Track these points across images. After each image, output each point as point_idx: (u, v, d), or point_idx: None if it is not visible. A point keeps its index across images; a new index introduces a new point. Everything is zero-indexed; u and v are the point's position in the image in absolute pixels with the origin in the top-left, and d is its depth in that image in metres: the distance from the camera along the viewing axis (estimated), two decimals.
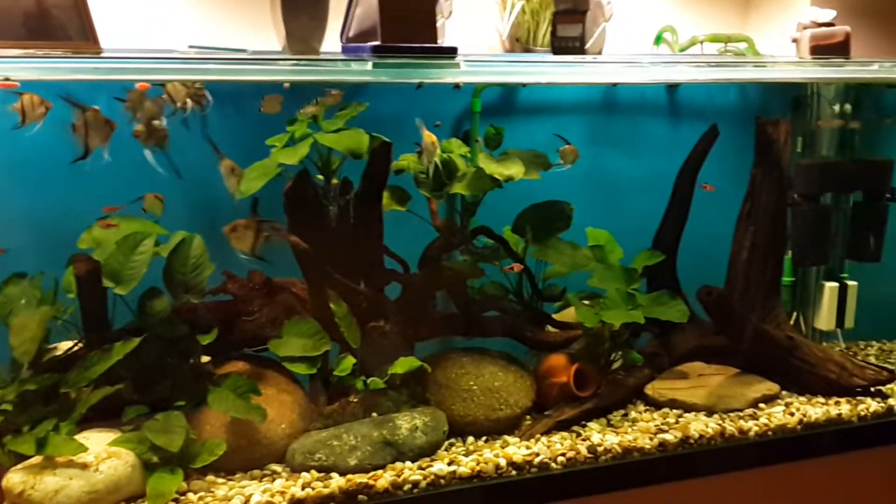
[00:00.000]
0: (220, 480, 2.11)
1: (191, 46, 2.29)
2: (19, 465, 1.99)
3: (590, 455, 2.30)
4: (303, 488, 2.07)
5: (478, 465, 2.20)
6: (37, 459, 1.98)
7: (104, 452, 2.00)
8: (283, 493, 2.05)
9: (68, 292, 2.19)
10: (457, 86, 2.51)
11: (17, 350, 2.05)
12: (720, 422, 2.47)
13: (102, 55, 1.88)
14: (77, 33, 1.86)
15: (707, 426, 2.44)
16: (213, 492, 2.05)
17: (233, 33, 2.48)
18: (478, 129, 2.61)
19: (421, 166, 2.30)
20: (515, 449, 2.28)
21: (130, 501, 2.00)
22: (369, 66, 1.98)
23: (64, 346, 2.22)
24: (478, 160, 2.33)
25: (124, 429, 2.11)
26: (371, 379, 2.27)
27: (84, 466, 1.96)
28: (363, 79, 2.07)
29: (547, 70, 2.27)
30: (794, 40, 2.71)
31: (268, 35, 2.20)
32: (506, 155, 2.41)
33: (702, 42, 2.89)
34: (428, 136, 2.19)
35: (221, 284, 2.30)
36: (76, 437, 2.01)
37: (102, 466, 1.97)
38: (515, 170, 2.35)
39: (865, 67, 2.53)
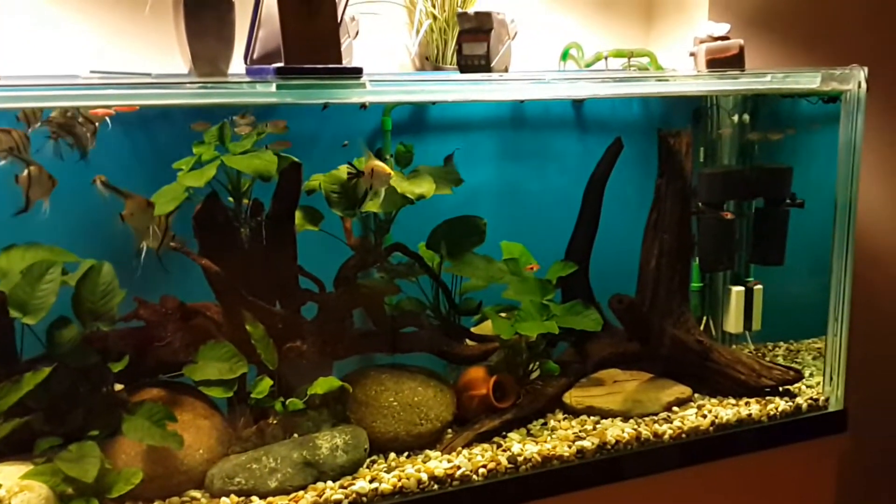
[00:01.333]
0: None
1: (92, 72, 2.27)
2: None
3: (510, 465, 2.33)
4: None
5: (399, 480, 2.21)
6: None
7: (16, 486, 1.95)
8: None
9: None
10: (363, 105, 2.54)
11: None
12: (636, 426, 2.53)
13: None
14: None
15: (623, 431, 2.50)
16: None
17: (137, 58, 2.46)
18: (389, 147, 2.64)
19: (352, 189, 2.32)
20: (437, 463, 2.30)
21: None
22: (273, 87, 1.99)
23: None
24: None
25: (36, 461, 2.06)
26: (290, 400, 2.26)
27: None
28: (269, 101, 2.07)
29: (453, 88, 2.30)
30: (692, 54, 2.81)
31: (173, 59, 2.20)
32: (416, 172, 2.44)
33: (606, 57, 2.98)
34: (380, 166, 2.22)
35: (133, 311, 2.27)
36: None
37: (14, 501, 1.92)
38: (426, 187, 2.38)
39: (759, 79, 2.64)
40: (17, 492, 1.94)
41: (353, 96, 2.10)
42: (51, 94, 1.85)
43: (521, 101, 2.85)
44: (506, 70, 2.50)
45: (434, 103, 2.71)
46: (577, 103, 2.96)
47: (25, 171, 2.07)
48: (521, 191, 2.90)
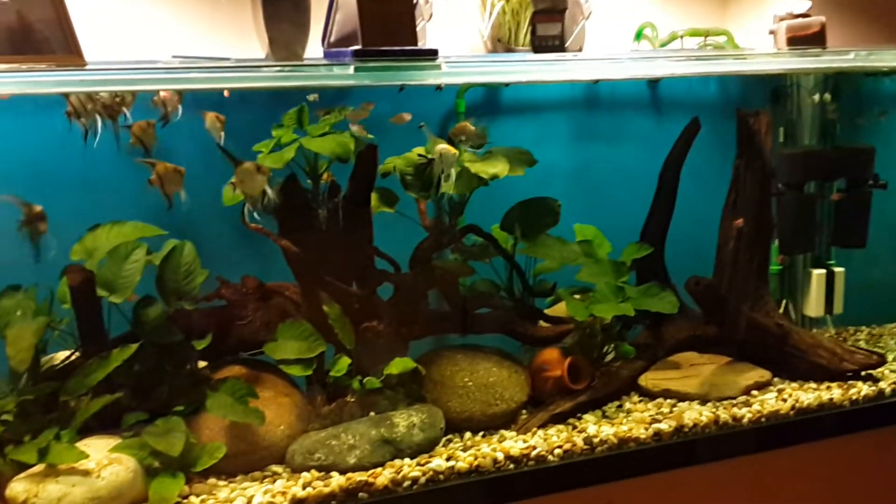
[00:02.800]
0: (222, 483, 2.14)
1: (174, 56, 2.32)
2: (22, 475, 2.01)
3: (586, 446, 2.32)
4: (303, 488, 2.09)
5: (476, 459, 2.22)
6: (39, 468, 2.00)
7: (105, 459, 2.02)
8: (284, 493, 2.07)
9: (63, 303, 2.21)
10: (439, 87, 2.55)
11: (14, 360, 2.07)
12: (714, 410, 2.50)
13: (87, 68, 1.91)
14: (61, 47, 1.89)
15: (701, 414, 2.46)
16: (214, 494, 2.07)
17: (215, 44, 2.52)
18: None
19: (428, 173, 2.33)
20: (512, 443, 2.31)
21: None
22: (351, 70, 2.02)
23: (61, 356, 2.24)
24: (463, 159, 2.37)
25: (124, 435, 2.13)
26: (367, 379, 2.30)
27: (86, 473, 1.98)
28: (346, 83, 2.10)
29: (528, 69, 2.30)
30: (772, 32, 2.75)
31: (251, 44, 2.24)
32: (490, 153, 2.44)
33: (681, 37, 2.93)
34: (446, 148, 2.23)
35: (215, 290, 2.33)
36: (77, 444, 2.04)
37: (104, 473, 1.99)
38: (500, 167, 2.38)
39: (842, 57, 2.57)
40: (107, 464, 2.02)
41: (429, 78, 2.12)
42: (137, 77, 1.91)
43: (595, 82, 2.83)
44: (580, 51, 2.49)
45: (507, 85, 2.70)
46: (653, 83, 2.93)
47: (154, 173, 2.14)
48: (595, 172, 2.88)
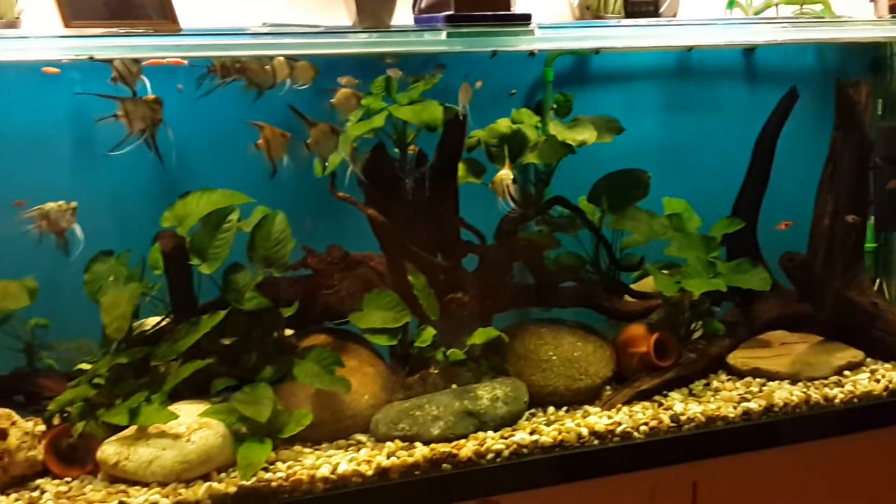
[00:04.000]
0: (307, 450, 2.15)
1: (265, 24, 2.31)
2: (113, 437, 2.05)
3: (673, 424, 2.27)
4: (388, 457, 2.09)
5: (560, 434, 2.20)
6: (130, 431, 2.04)
7: (195, 423, 2.05)
8: (368, 461, 2.08)
9: (154, 269, 2.24)
10: (532, 53, 2.50)
11: (109, 326, 2.11)
12: (805, 390, 2.42)
13: (182, 33, 1.91)
14: (156, 12, 1.90)
15: (791, 394, 2.39)
16: (300, 461, 2.09)
17: (304, 12, 2.50)
18: (550, 98, 2.59)
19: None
20: (597, 418, 2.28)
21: (221, 471, 2.04)
22: (443, 35, 1.98)
23: (151, 321, 2.28)
24: (549, 128, 2.32)
25: (213, 401, 2.16)
26: (451, 350, 2.28)
27: (176, 437, 2.01)
28: (437, 49, 2.06)
29: (623, 34, 2.23)
30: (872, 0, 2.63)
31: (338, 13, 2.21)
32: (576, 121, 2.39)
33: (776, 4, 2.82)
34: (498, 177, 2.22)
35: (301, 259, 2.33)
36: (168, 408, 2.06)
37: (194, 437, 2.02)
38: (588, 134, 2.33)
39: None
40: (197, 428, 2.04)
41: (522, 44, 2.07)
42: (231, 42, 1.90)
43: (689, 49, 2.74)
44: (674, 17, 2.41)
45: (597, 52, 2.64)
46: (748, 52, 2.83)
47: (261, 137, 2.13)
48: (686, 144, 2.80)
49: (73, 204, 2.12)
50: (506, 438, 2.18)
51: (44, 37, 1.81)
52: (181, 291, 2.21)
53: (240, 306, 2.20)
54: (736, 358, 2.54)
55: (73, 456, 2.06)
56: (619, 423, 2.24)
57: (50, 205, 2.07)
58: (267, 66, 2.20)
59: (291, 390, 2.20)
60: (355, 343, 2.33)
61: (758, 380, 2.50)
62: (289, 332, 2.33)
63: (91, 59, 1.81)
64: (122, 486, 1.98)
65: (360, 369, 2.27)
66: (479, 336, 2.27)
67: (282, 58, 2.15)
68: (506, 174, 2.21)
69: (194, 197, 2.27)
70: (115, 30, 1.78)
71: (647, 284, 2.57)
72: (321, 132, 2.18)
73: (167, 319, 2.24)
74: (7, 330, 2.17)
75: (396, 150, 2.32)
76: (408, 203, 2.30)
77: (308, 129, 2.20)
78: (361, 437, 2.21)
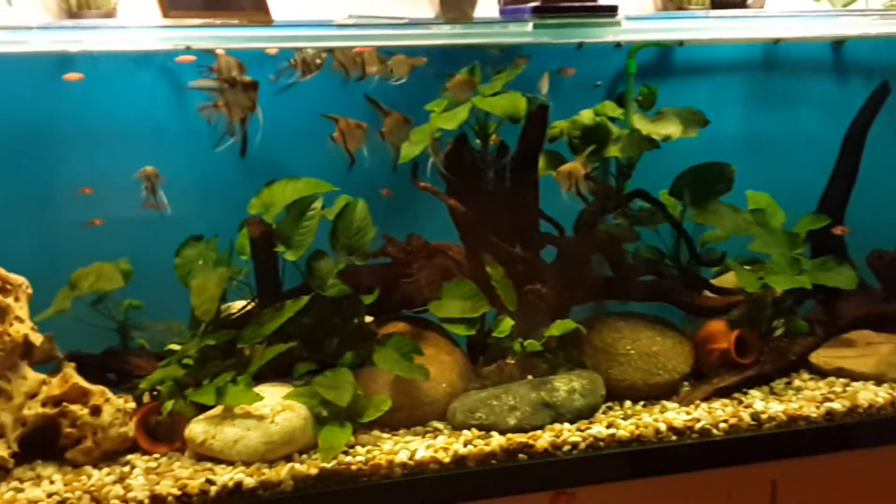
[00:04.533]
0: (386, 435, 2.18)
1: (350, 16, 2.35)
2: (200, 416, 2.11)
3: (753, 422, 2.24)
4: (465, 445, 2.11)
5: (637, 428, 2.19)
6: (216, 411, 2.10)
7: (279, 405, 2.10)
8: (446, 449, 2.10)
9: (241, 254, 2.30)
10: (618, 45, 2.48)
11: (198, 309, 2.17)
12: (890, 391, 2.36)
13: (274, 24, 1.95)
14: (250, 4, 1.95)
15: (877, 395, 2.34)
16: (379, 446, 2.12)
17: (388, 4, 2.52)
18: (633, 90, 2.57)
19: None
20: (675, 414, 2.26)
21: (303, 453, 2.09)
22: (529, 26, 1.98)
23: (238, 305, 2.34)
24: (633, 121, 2.30)
25: (295, 384, 2.21)
26: (528, 341, 2.29)
27: (261, 418, 2.06)
28: (523, 40, 2.07)
29: (710, 26, 2.20)
30: None
31: (421, 6, 2.23)
32: (661, 114, 2.36)
33: None
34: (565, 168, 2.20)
35: (381, 247, 2.36)
36: (253, 390, 2.12)
37: (278, 418, 2.07)
38: (672, 129, 2.30)
39: None
40: (280, 410, 2.09)
41: (608, 35, 2.06)
42: (323, 33, 1.94)
43: (776, 42, 2.68)
44: (761, 8, 2.37)
45: (681, 44, 2.60)
46: (837, 45, 2.76)
47: (336, 129, 2.18)
48: (771, 138, 2.75)
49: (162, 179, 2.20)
50: (582, 431, 2.18)
51: (143, 27, 1.87)
52: (267, 277, 2.26)
53: (322, 293, 2.24)
54: (819, 357, 2.49)
55: (161, 433, 2.14)
56: (698, 420, 2.22)
57: (149, 168, 2.16)
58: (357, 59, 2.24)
59: (370, 376, 2.24)
60: (433, 331, 2.36)
61: (841, 380, 2.45)
62: (368, 318, 2.37)
63: (188, 48, 1.86)
64: (209, 465, 2.05)
65: (438, 357, 2.29)
66: (558, 328, 2.27)
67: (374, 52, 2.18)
68: (575, 167, 2.19)
69: (280, 185, 2.32)
70: (211, 20, 1.83)
71: (728, 280, 2.54)
72: (395, 121, 2.21)
73: (252, 304, 2.30)
74: (102, 310, 2.26)
75: (478, 140, 2.33)
76: (488, 194, 2.31)
77: (382, 118, 2.22)
78: (438, 425, 2.23)
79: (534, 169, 2.33)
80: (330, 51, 2.12)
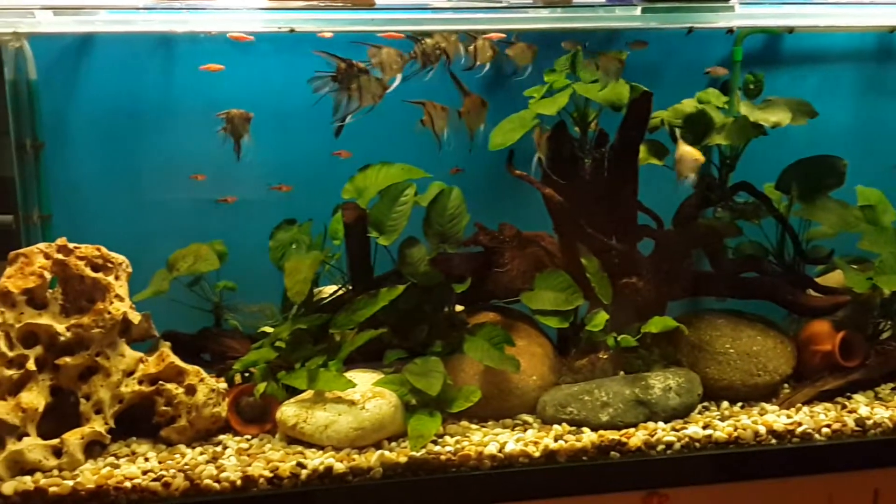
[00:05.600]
0: (474, 426, 2.16)
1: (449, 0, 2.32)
2: (292, 400, 2.12)
3: (857, 428, 2.14)
4: (555, 440, 2.07)
5: (735, 430, 2.11)
6: (308, 395, 2.10)
7: (369, 392, 2.09)
8: (536, 443, 2.06)
9: (334, 239, 2.29)
10: (730, 30, 2.39)
11: (291, 291, 2.17)
12: None
13: (375, 7, 1.93)
14: None
15: None
16: (468, 436, 2.10)
17: None
18: (738, 78, 2.47)
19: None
20: (775, 417, 2.18)
21: (392, 440, 2.08)
22: (637, 11, 1.92)
23: (329, 289, 2.34)
24: (738, 109, 2.21)
25: (385, 371, 2.20)
26: (622, 336, 2.23)
27: (352, 404, 2.05)
28: (630, 25, 2.00)
29: (827, 12, 2.10)
30: None
31: None
32: (768, 102, 2.26)
33: None
34: (691, 152, 2.11)
35: (473, 235, 2.33)
36: (343, 375, 2.11)
37: (368, 405, 2.06)
38: (781, 116, 2.21)
39: None
40: (371, 397, 2.08)
41: (720, 20, 1.97)
42: (423, 17, 1.91)
43: (892, 30, 2.55)
44: None
45: (791, 31, 2.49)
46: None
47: (425, 114, 2.14)
48: (883, 131, 2.62)
49: (251, 115, 2.16)
50: (677, 431, 2.12)
51: (247, 9, 1.87)
52: (359, 262, 2.25)
53: (413, 280, 2.22)
54: None
55: (252, 414, 2.15)
56: (800, 424, 2.13)
57: (235, 111, 2.13)
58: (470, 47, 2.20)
59: (459, 365, 2.21)
60: (524, 323, 2.32)
61: None
62: (459, 307, 2.34)
63: (292, 31, 1.86)
64: (299, 448, 2.05)
65: (529, 349, 2.25)
66: (656, 324, 2.20)
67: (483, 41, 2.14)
68: (696, 152, 2.11)
69: (373, 170, 2.31)
70: (314, 3, 1.81)
71: (833, 279, 2.43)
72: (473, 103, 2.16)
73: (344, 289, 2.29)
74: (197, 291, 2.28)
75: (577, 128, 2.27)
76: (585, 183, 2.25)
77: (462, 98, 2.18)
78: (527, 418, 2.20)
79: (634, 159, 2.26)
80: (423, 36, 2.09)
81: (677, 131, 2.26)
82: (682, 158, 2.09)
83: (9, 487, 1.86)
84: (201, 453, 2.04)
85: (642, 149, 2.28)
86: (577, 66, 2.18)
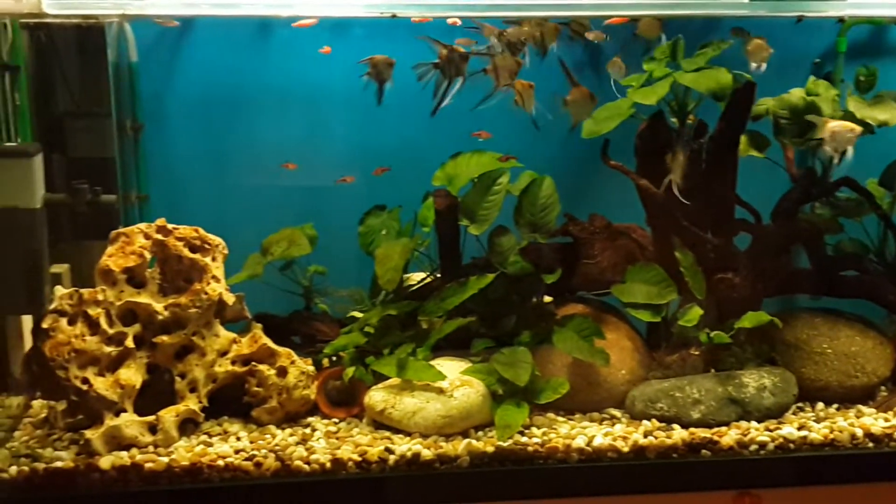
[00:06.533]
0: (561, 419, 2.14)
1: None
2: (380, 385, 2.13)
3: None
4: (645, 436, 2.04)
5: (831, 432, 2.05)
6: (396, 380, 2.11)
7: (457, 380, 2.08)
8: (625, 438, 2.04)
9: (423, 226, 2.29)
10: (841, 19, 2.31)
11: (382, 277, 2.18)
12: None
13: None
14: None
15: None
16: (555, 429, 2.08)
17: None
18: (841, 70, 2.39)
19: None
20: (872, 420, 2.11)
21: (479, 429, 2.07)
22: None
23: (416, 276, 2.34)
24: (848, 104, 2.14)
25: (472, 359, 2.19)
26: (715, 332, 2.17)
27: (440, 391, 2.05)
28: (737, 13, 1.94)
29: None
30: None
31: None
32: (879, 97, 2.18)
33: None
34: (843, 125, 2.04)
35: (562, 226, 2.30)
36: (431, 363, 2.11)
37: (456, 393, 2.06)
38: (890, 114, 2.12)
39: None
40: (459, 385, 2.08)
41: (832, 9, 1.90)
42: (524, 3, 1.89)
43: None
44: None
45: None
46: None
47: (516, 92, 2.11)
48: None
49: (393, 60, 2.12)
50: (771, 431, 2.06)
51: None
52: (449, 249, 2.24)
53: (503, 269, 2.21)
54: None
55: (339, 398, 2.16)
56: None
57: (378, 56, 2.10)
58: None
59: (546, 356, 2.19)
60: (613, 316, 2.29)
61: None
62: (547, 298, 2.32)
63: (394, 16, 1.85)
64: (386, 433, 2.06)
65: (618, 343, 2.22)
66: (750, 320, 2.15)
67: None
68: (849, 123, 2.03)
69: (464, 158, 2.29)
70: None
71: None
72: (580, 94, 2.13)
73: (432, 276, 2.29)
74: (288, 275, 2.30)
75: (674, 119, 2.22)
76: (682, 175, 2.20)
77: (571, 86, 2.15)
78: (615, 412, 2.16)
79: (733, 150, 2.19)
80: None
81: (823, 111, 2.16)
82: (837, 133, 2.01)
83: (106, 462, 1.91)
84: (291, 434, 2.06)
85: (742, 140, 2.22)
86: (677, 55, 2.13)
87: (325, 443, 2.01)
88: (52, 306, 1.94)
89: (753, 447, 2.04)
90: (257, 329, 2.12)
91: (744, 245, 2.31)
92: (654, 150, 2.18)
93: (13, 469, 1.90)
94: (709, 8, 1.94)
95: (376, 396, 2.09)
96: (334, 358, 2.22)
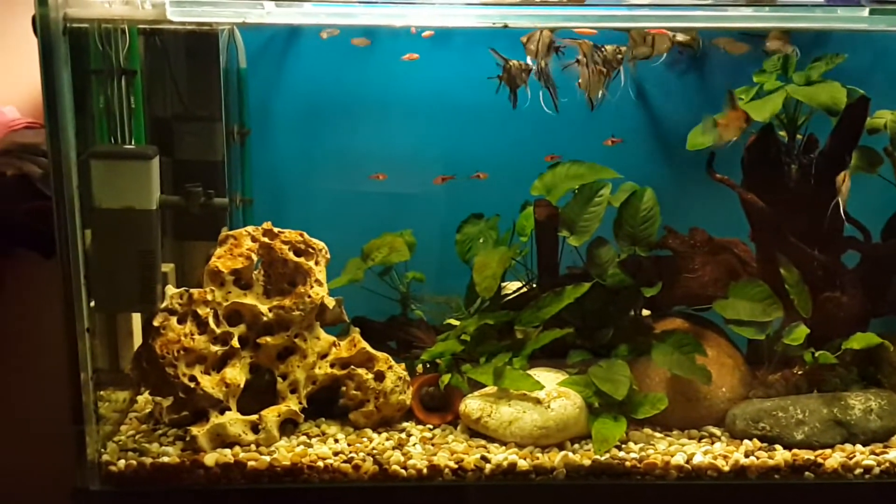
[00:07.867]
0: (658, 434, 2.11)
1: None
2: (476, 393, 2.13)
3: None
4: (746, 455, 2.00)
5: None
6: (492, 389, 2.11)
7: (554, 391, 2.07)
8: (725, 457, 2.00)
9: (521, 235, 2.28)
10: None
11: (480, 286, 2.18)
12: None
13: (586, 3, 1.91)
14: None
15: None
16: (653, 444, 2.05)
17: None
18: None
19: None
20: None
21: (574, 442, 2.05)
22: (865, 12, 1.81)
23: (512, 286, 2.33)
24: None
25: (569, 371, 2.17)
26: (821, 352, 2.12)
27: (537, 402, 2.05)
28: (854, 27, 1.89)
29: None
30: None
31: None
32: None
33: None
34: None
35: (662, 239, 2.27)
36: (528, 373, 2.10)
37: (553, 404, 2.05)
38: None
39: None
40: (556, 396, 2.06)
41: None
42: (627, 14, 1.89)
43: None
44: None
45: None
46: None
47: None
48: None
49: (530, 66, 2.15)
50: (877, 455, 2.00)
51: (463, 4, 1.88)
52: (548, 260, 2.23)
53: (602, 281, 2.19)
54: None
55: (433, 404, 2.17)
56: None
57: (514, 62, 2.12)
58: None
59: (644, 371, 2.16)
60: (713, 332, 2.25)
61: None
62: (645, 312, 2.29)
63: (505, 26, 1.86)
64: (482, 441, 2.06)
65: (718, 360, 2.17)
66: (859, 341, 2.09)
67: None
68: None
69: (562, 168, 2.28)
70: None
71: None
72: (736, 116, 2.06)
73: (528, 286, 2.28)
74: (387, 280, 2.33)
75: (783, 133, 2.17)
76: (790, 190, 2.15)
77: (727, 108, 2.11)
78: (715, 431, 2.12)
79: (844, 166, 2.14)
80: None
81: None
82: None
83: (210, 459, 1.95)
84: (387, 439, 2.07)
85: (854, 156, 2.16)
86: (788, 69, 2.09)
87: (420, 448, 2.02)
88: (163, 305, 2.00)
89: (858, 471, 1.98)
90: (356, 333, 2.15)
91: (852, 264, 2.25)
92: (762, 164, 2.14)
93: (121, 462, 1.96)
94: (820, 21, 1.89)
95: (473, 404, 2.09)
96: (428, 364, 2.24)
